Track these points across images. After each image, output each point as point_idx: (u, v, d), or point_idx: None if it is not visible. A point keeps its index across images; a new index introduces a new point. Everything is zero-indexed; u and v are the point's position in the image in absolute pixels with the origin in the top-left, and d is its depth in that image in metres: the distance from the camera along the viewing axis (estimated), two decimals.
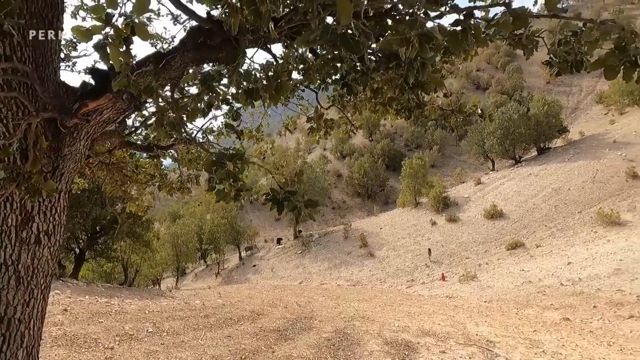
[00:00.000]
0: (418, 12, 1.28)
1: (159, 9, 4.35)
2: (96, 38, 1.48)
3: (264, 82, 2.36)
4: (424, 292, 17.21)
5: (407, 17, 1.38)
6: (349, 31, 1.31)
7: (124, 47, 1.44)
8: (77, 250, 18.29)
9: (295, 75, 3.17)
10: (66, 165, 2.50)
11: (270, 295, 14.19)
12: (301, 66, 2.77)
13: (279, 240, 34.85)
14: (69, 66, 5.11)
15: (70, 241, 17.62)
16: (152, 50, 5.39)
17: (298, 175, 10.77)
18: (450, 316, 10.17)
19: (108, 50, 1.44)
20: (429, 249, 23.94)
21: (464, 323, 9.23)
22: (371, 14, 1.54)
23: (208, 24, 2.05)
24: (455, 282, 18.19)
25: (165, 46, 4.86)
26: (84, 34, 1.36)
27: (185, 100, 2.42)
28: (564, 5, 79.44)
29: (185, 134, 3.73)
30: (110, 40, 1.40)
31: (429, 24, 1.62)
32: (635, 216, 18.57)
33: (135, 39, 1.59)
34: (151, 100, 2.58)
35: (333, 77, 2.83)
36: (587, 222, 20.11)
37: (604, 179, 23.95)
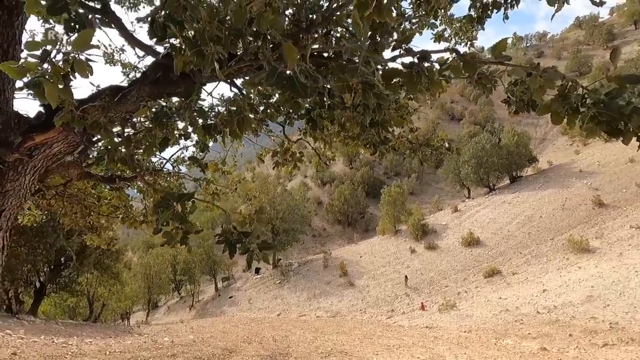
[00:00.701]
0: (360, 60, 1.29)
1: (123, 45, 4.33)
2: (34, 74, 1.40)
3: (225, 117, 2.32)
4: (404, 323, 16.91)
5: (349, 65, 1.38)
6: (297, 74, 1.29)
7: (63, 85, 1.36)
8: (38, 284, 17.09)
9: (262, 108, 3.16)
10: (7, 202, 2.33)
11: (245, 330, 13.56)
12: (264, 101, 2.76)
13: (257, 270, 33.84)
14: (31, 94, 4.96)
15: (30, 274, 16.48)
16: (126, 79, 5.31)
17: (257, 213, 10.47)
18: (430, 348, 9.95)
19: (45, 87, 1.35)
20: (406, 276, 23.87)
21: (444, 356, 9.03)
22: (319, 58, 1.55)
23: (165, 59, 2.01)
24: (435, 311, 18.01)
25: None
26: (16, 72, 1.28)
27: (139, 135, 2.33)
28: (527, 45, 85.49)
29: (139, 169, 3.60)
30: (47, 78, 1.33)
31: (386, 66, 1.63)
32: (602, 243, 19.23)
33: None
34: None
35: (298, 112, 2.82)
36: (560, 248, 20.64)
37: (573, 207, 24.92)
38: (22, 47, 2.90)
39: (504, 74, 3.20)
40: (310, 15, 2.02)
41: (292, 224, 33.69)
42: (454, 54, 1.66)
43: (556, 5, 2.17)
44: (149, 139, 2.15)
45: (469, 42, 4.31)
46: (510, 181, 35.62)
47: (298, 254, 44.62)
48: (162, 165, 4.58)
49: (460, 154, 29.97)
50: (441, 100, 71.97)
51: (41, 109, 2.39)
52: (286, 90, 1.23)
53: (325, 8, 2.15)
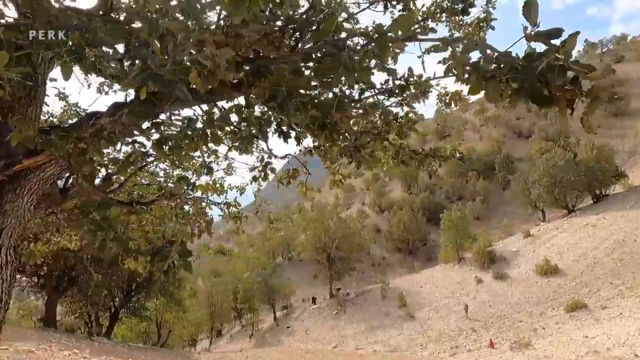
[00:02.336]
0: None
1: None
2: None
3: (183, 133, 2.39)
4: None
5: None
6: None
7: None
8: (113, 309, 18.78)
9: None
10: (7, 221, 2.62)
11: None
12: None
13: (314, 300, 33.49)
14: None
15: (106, 299, 18.22)
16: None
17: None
18: None
19: None
20: (466, 305, 21.69)
21: None
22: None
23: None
24: (506, 349, 15.94)
25: None
26: None
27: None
28: (603, 51, 77.41)
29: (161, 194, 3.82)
30: None
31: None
32: None
33: None
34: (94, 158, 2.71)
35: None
36: None
37: None
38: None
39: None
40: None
41: (347, 252, 33.12)
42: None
43: None
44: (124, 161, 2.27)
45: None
46: (594, 201, 31.32)
47: (357, 283, 43.38)
48: (184, 191, 4.84)
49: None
50: (505, 118, 67.59)
51: None
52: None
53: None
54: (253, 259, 54.93)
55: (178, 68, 1.18)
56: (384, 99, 2.98)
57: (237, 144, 3.04)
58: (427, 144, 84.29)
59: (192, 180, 3.95)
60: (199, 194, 5.23)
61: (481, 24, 4.15)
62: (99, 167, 2.33)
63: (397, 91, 2.78)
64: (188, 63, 1.20)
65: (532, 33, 1.08)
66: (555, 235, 27.22)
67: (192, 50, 1.24)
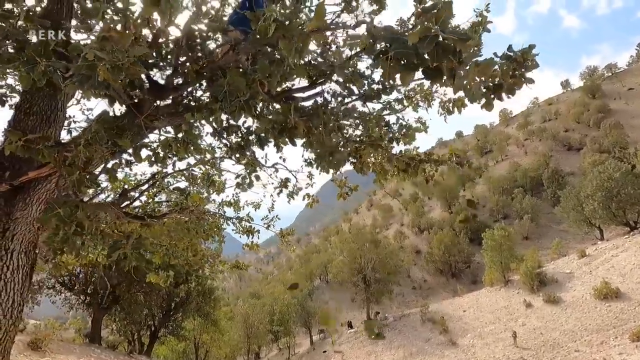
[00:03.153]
0: None
1: None
2: None
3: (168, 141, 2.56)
4: None
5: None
6: None
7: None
8: (153, 328, 19.47)
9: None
10: (18, 228, 2.91)
11: None
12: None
13: (350, 324, 32.56)
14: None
15: (147, 318, 18.98)
16: None
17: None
18: None
19: None
20: (514, 332, 19.93)
21: None
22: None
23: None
24: None
25: None
26: None
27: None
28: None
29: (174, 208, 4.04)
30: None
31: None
32: None
33: None
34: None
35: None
36: None
37: None
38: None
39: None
40: None
41: (384, 274, 32.13)
42: None
43: None
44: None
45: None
46: None
47: (397, 307, 41.69)
48: (196, 207, 5.08)
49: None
50: (552, 130, 63.78)
51: None
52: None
53: None
54: (291, 281, 54.95)
55: (85, 64, 1.33)
56: (362, 104, 3.01)
57: (228, 153, 3.18)
58: (467, 159, 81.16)
59: (196, 193, 4.14)
60: (209, 207, 5.44)
61: (477, 28, 4.09)
62: (87, 176, 2.55)
63: (373, 95, 2.80)
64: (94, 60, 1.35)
65: (419, 9, 1.08)
66: (616, 255, 24.61)
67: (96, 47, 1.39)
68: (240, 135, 2.86)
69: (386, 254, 33.68)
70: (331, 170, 4.37)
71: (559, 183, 49.70)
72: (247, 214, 5.94)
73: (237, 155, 3.32)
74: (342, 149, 3.49)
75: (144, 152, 2.81)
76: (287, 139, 2.05)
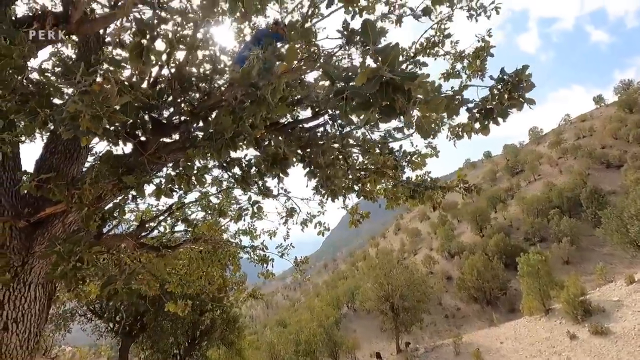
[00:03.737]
0: None
1: None
2: None
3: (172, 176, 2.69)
4: None
5: None
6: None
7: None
8: (179, 357, 19.48)
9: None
10: (36, 261, 3.09)
11: None
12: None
13: (379, 355, 31.18)
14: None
15: (173, 347, 19.05)
16: None
17: None
18: None
19: None
20: None
21: None
22: None
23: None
24: None
25: None
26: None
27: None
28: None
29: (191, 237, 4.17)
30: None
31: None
32: None
33: None
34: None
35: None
36: None
37: None
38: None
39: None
40: None
41: (413, 301, 30.86)
42: None
43: None
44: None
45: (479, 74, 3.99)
46: None
47: (429, 337, 39.62)
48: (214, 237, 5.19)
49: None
50: (588, 147, 60.87)
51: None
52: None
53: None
54: (317, 309, 53.81)
55: (69, 115, 1.46)
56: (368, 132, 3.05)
57: (235, 185, 3.28)
58: (498, 181, 78.38)
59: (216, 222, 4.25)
60: (222, 236, 5.53)
61: (479, 53, 4.10)
62: (97, 212, 2.70)
63: (372, 124, 2.84)
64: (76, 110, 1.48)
65: (372, 51, 1.12)
66: None
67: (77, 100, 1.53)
68: (241, 167, 2.96)
69: (414, 280, 32.48)
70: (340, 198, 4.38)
71: (599, 203, 46.75)
72: (261, 242, 5.99)
73: (244, 186, 3.41)
74: (344, 177, 3.50)
75: (151, 186, 2.98)
76: (278, 169, 2.11)
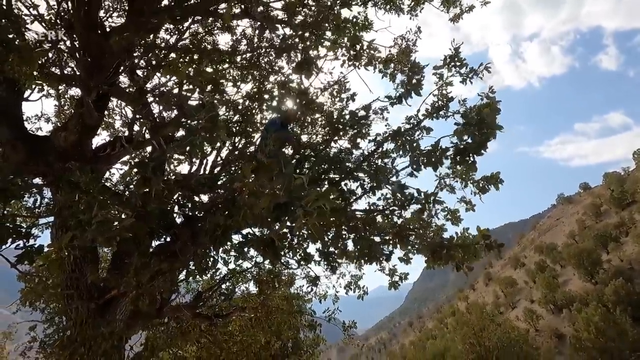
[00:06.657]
0: None
1: None
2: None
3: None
4: None
5: None
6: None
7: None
8: None
9: None
10: (117, 325, 3.72)
11: None
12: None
13: None
14: None
15: None
16: None
17: None
18: None
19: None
20: None
21: None
22: None
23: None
24: None
25: None
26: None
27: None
28: None
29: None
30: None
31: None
32: None
33: None
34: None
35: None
36: None
37: None
38: None
39: None
40: None
41: None
42: None
43: None
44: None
45: None
46: None
47: None
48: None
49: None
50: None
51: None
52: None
53: None
54: None
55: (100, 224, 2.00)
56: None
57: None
58: (604, 216, 67.51)
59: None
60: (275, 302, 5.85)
61: (484, 110, 4.20)
62: (145, 293, 3.26)
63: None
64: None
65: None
66: None
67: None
68: (240, 251, 3.41)
69: (513, 339, 28.27)
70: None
71: None
72: (309, 308, 6.16)
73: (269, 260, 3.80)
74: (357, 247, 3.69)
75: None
76: (273, 252, 2.44)
